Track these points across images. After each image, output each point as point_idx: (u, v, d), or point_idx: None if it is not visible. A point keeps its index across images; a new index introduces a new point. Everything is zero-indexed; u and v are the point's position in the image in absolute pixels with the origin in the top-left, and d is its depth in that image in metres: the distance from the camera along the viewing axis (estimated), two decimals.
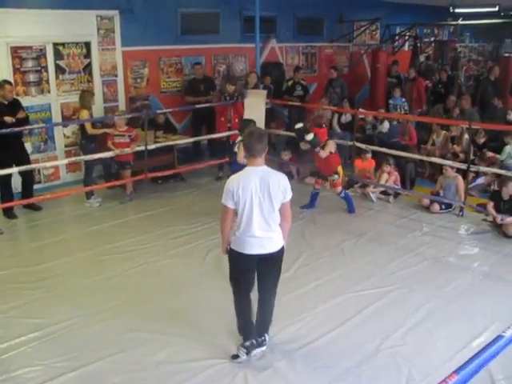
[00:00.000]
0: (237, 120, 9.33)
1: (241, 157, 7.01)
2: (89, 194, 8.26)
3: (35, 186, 8.42)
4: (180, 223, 7.43)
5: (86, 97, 8.30)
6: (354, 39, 14.03)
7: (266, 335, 4.47)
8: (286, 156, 9.48)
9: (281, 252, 4.28)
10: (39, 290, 5.59)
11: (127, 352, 4.49)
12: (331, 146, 7.61)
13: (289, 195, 4.16)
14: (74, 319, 4.98)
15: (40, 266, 6.14)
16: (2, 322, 4.96)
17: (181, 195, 8.76)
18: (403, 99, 11.17)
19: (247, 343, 4.36)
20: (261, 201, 4.06)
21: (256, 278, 4.36)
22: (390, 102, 11.20)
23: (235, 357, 4.37)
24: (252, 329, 4.41)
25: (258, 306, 4.44)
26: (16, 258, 6.43)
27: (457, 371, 1.78)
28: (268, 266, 4.28)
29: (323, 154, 7.51)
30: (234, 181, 4.13)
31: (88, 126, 8.08)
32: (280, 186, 4.09)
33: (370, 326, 4.89)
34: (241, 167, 6.29)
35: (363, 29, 13.84)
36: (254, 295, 4.38)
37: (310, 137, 7.36)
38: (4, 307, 5.22)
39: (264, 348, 4.43)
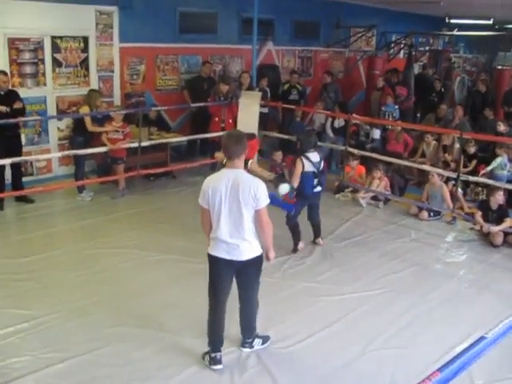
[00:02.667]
0: (231, 121, 9.38)
1: (296, 175, 6.39)
2: (81, 188, 8.28)
3: (27, 179, 8.44)
4: (170, 220, 7.46)
5: (93, 96, 8.40)
6: (350, 45, 14.12)
7: (251, 337, 4.49)
8: (278, 157, 9.53)
9: (253, 262, 4.13)
10: (27, 281, 5.61)
11: (113, 346, 4.53)
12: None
13: (262, 202, 4.00)
14: (61, 312, 5.01)
15: (28, 258, 6.15)
16: None
17: (172, 193, 8.79)
18: (396, 106, 11.26)
19: (213, 355, 4.27)
20: (230, 204, 3.97)
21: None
22: (382, 108, 11.29)
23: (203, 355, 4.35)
24: (220, 342, 4.31)
25: (240, 314, 4.44)
26: (4, 250, 6.43)
27: (440, 369, 1.84)
28: (240, 274, 4.20)
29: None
30: (207, 181, 4.12)
31: (88, 122, 8.13)
32: (251, 192, 3.94)
33: (355, 329, 4.95)
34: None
35: (359, 35, 13.93)
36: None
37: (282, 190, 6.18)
38: None
39: (247, 350, 4.49)
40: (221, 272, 4.17)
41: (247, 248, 4.08)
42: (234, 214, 3.99)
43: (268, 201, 4.08)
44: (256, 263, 4.18)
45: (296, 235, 6.58)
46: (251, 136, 6.61)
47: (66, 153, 8.48)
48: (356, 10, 13.21)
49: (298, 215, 6.58)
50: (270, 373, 4.27)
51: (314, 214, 6.78)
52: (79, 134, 8.26)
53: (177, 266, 6.11)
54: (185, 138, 9.49)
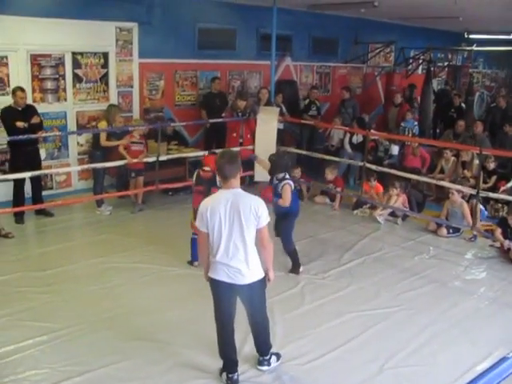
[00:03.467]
0: (249, 136, 9.41)
1: (286, 200, 6.06)
2: (99, 202, 8.35)
3: (47, 192, 8.55)
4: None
5: (112, 111, 8.50)
6: (368, 61, 14.13)
7: (271, 357, 4.43)
8: (297, 173, 9.53)
9: (255, 285, 4.04)
10: (46, 294, 5.66)
11: (131, 360, 4.53)
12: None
13: (264, 220, 3.93)
14: (79, 325, 5.03)
15: (47, 272, 6.21)
16: (9, 325, 5.02)
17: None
18: (415, 122, 11.21)
19: (230, 375, 4.21)
20: (230, 226, 3.86)
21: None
22: (402, 124, 11.25)
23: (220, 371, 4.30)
24: (234, 363, 4.24)
25: (252, 332, 4.40)
26: (24, 263, 6.49)
27: None
28: (243, 298, 4.14)
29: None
30: (204, 204, 3.98)
31: (103, 138, 8.22)
32: (252, 210, 3.86)
33: (373, 345, 4.89)
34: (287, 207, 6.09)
35: (377, 51, 13.95)
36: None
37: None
38: (11, 310, 5.28)
39: (265, 368, 4.42)
40: (223, 295, 4.09)
41: (249, 272, 3.98)
42: (235, 236, 3.89)
43: (269, 219, 3.99)
44: (259, 286, 4.09)
45: (297, 259, 6.36)
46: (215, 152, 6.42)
47: (85, 166, 8.58)
48: (374, 26, 13.23)
49: (291, 235, 6.36)
50: None
51: None
52: (98, 149, 8.35)
53: (195, 280, 6.07)
54: (202, 153, 9.52)
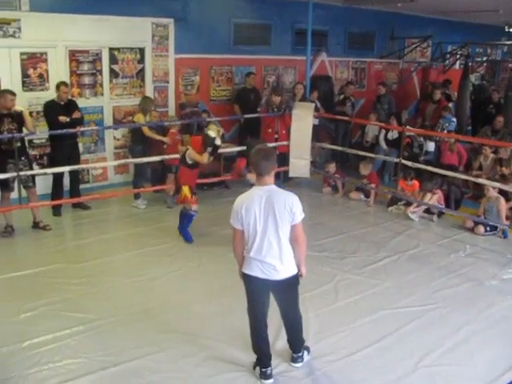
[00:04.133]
0: (284, 132, 9.40)
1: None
2: (137, 195, 8.46)
3: (84, 186, 8.69)
4: (222, 230, 7.51)
5: (147, 102, 8.61)
6: (404, 56, 13.95)
7: (301, 352, 4.42)
8: (331, 168, 9.48)
9: (289, 281, 4.06)
10: (83, 286, 5.77)
11: (166, 352, 4.58)
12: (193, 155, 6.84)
13: (298, 216, 3.93)
14: (115, 316, 5.12)
15: (84, 264, 6.33)
16: (47, 315, 5.14)
17: (224, 202, 8.81)
18: (453, 118, 11.02)
19: (263, 369, 4.23)
20: (265, 223, 3.89)
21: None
22: (440, 121, 11.05)
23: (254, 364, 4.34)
24: (268, 358, 4.26)
25: (285, 329, 4.40)
26: (61, 254, 6.62)
27: None
28: (278, 293, 4.15)
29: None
30: (239, 201, 3.99)
31: (145, 128, 8.34)
32: (286, 206, 3.87)
33: (408, 343, 4.84)
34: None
35: (414, 46, 13.76)
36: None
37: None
38: (49, 300, 5.40)
39: (299, 365, 4.40)
40: (257, 291, 4.11)
41: (283, 267, 3.99)
42: (270, 233, 3.91)
43: (303, 215, 3.99)
44: (292, 282, 4.10)
45: None
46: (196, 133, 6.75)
47: (122, 161, 8.69)
48: (411, 21, 13.06)
49: None
50: None
51: None
52: (138, 143, 8.45)
53: (228, 275, 6.12)
54: (238, 149, 9.56)
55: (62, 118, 7.57)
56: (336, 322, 5.13)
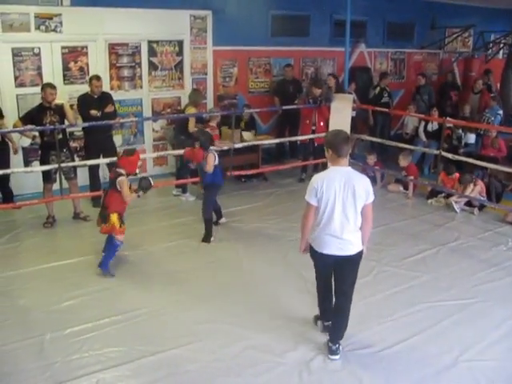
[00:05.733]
0: (322, 124, 9.34)
1: (210, 166, 6.68)
2: (184, 189, 8.59)
3: (105, 181, 8.71)
4: (260, 222, 7.53)
5: (198, 95, 8.75)
6: (445, 46, 13.69)
7: (339, 344, 4.43)
8: (371, 160, 9.39)
9: (358, 255, 4.30)
10: (122, 276, 5.86)
11: (204, 342, 4.62)
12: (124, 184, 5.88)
13: (371, 197, 4.18)
14: (154, 306, 5.18)
15: (124, 254, 6.38)
16: (88, 303, 5.24)
17: (262, 194, 8.86)
18: (499, 110, 10.74)
19: (326, 323, 4.67)
20: (344, 201, 4.11)
21: (334, 279, 4.43)
22: (485, 113, 10.79)
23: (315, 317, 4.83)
24: (330, 313, 4.59)
25: (334, 311, 4.48)
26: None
27: None
28: (344, 269, 4.32)
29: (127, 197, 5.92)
30: (318, 178, 4.20)
31: (192, 123, 8.36)
32: (363, 187, 4.13)
33: (448, 337, 4.78)
34: (212, 178, 6.71)
35: (455, 35, 13.49)
36: None
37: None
38: (89, 290, 5.50)
39: (337, 357, 4.40)
40: (328, 267, 4.38)
41: (356, 243, 4.23)
42: (349, 210, 4.12)
43: (373, 197, 4.20)
44: (360, 257, 4.32)
45: (210, 229, 6.90)
46: (130, 152, 6.08)
47: (162, 153, 8.76)
48: (452, 10, 12.81)
49: (212, 205, 7.04)
50: (358, 377, 4.20)
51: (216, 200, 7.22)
52: (184, 134, 8.50)
53: (267, 266, 6.16)
54: (277, 140, 9.54)
55: (93, 112, 7.65)
56: (375, 315, 5.10)
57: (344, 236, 4.17)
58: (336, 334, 4.45)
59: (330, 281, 4.52)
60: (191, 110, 8.50)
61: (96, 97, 7.85)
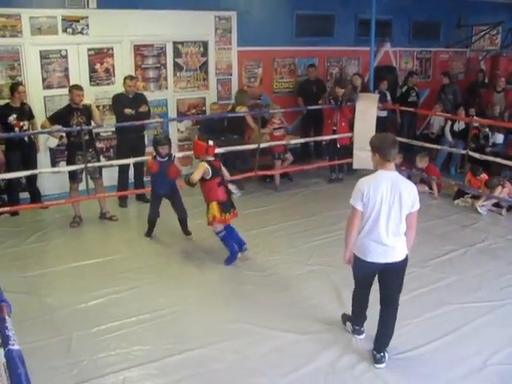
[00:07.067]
0: (344, 124, 9.32)
1: (196, 178, 5.99)
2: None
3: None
4: (285, 221, 7.52)
5: (243, 94, 9.06)
6: (471, 44, 13.51)
7: (385, 352, 4.36)
8: (398, 160, 9.30)
9: (404, 262, 4.20)
10: (149, 275, 5.91)
11: (230, 341, 4.62)
12: (200, 170, 5.99)
13: (417, 205, 4.07)
14: (180, 306, 5.21)
15: (151, 254, 6.50)
16: (114, 302, 5.30)
17: (288, 195, 8.86)
18: None
19: (357, 327, 4.65)
20: (390, 206, 4.00)
21: (379, 286, 4.33)
22: None
23: (344, 317, 4.80)
24: (364, 318, 4.63)
25: (380, 321, 4.35)
26: (128, 244, 6.79)
27: None
28: (389, 276, 4.23)
29: (192, 178, 5.99)
30: (365, 182, 4.08)
31: (251, 120, 8.73)
32: (411, 195, 4.02)
33: (476, 339, 4.71)
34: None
35: (483, 33, 13.30)
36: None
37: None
38: (116, 289, 5.56)
39: (382, 365, 4.31)
40: (370, 275, 4.31)
41: (400, 249, 4.14)
42: (394, 216, 4.03)
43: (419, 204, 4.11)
44: (405, 263, 4.24)
45: (152, 228, 7.00)
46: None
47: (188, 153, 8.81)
48: (479, 7, 12.58)
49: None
50: (383, 380, 4.17)
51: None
52: (234, 133, 8.67)
53: (293, 266, 6.14)
54: (301, 140, 9.52)
55: (128, 111, 7.74)
56: (401, 316, 4.97)
57: (388, 242, 4.07)
58: (382, 343, 4.37)
59: (369, 290, 4.45)
60: (243, 109, 8.73)
61: (130, 96, 7.95)
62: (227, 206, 6.12)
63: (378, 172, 4.12)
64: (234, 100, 9.33)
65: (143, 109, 7.95)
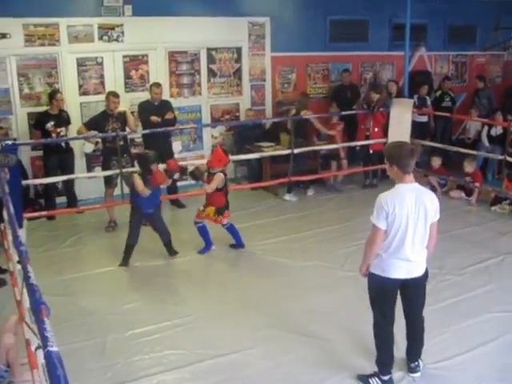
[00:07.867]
0: (376, 129, 9.26)
1: (141, 187, 6.10)
2: (289, 188, 8.84)
3: (181, 184, 8.82)
4: (319, 227, 7.49)
5: (305, 99, 9.17)
6: (510, 47, 13.26)
7: (419, 361, 4.27)
8: (436, 162, 9.19)
9: (425, 275, 4.04)
10: (183, 279, 6.04)
11: (262, 347, 4.62)
12: (218, 181, 6.31)
13: (438, 215, 3.90)
14: (213, 311, 5.25)
15: (183, 258, 6.56)
16: (149, 306, 5.37)
17: (322, 200, 8.83)
18: None
19: (385, 378, 4.10)
20: (415, 221, 3.78)
21: (401, 303, 4.15)
22: None
23: (363, 379, 4.18)
24: (393, 362, 4.16)
25: (408, 332, 4.23)
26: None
27: None
28: (413, 291, 4.05)
29: (208, 189, 6.38)
30: (388, 199, 3.77)
31: (318, 124, 8.93)
32: (434, 205, 3.84)
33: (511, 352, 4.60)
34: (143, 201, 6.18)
35: None
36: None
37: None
38: (150, 293, 5.64)
39: (417, 374, 4.23)
40: (394, 293, 4.05)
41: (422, 263, 3.98)
42: (420, 230, 3.83)
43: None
44: (426, 276, 4.08)
45: (130, 254, 6.38)
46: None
47: (244, 157, 8.99)
48: None
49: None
50: None
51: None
52: (300, 137, 8.74)
53: (327, 273, 6.11)
54: (334, 146, 9.48)
55: (154, 118, 7.78)
56: (436, 324, 4.93)
57: (413, 258, 3.86)
58: (414, 354, 4.27)
59: (391, 319, 4.09)
60: (307, 113, 8.81)
61: (156, 104, 7.99)
62: (222, 210, 6.50)
63: (399, 186, 3.84)
64: (297, 104, 9.35)
65: (169, 116, 7.96)
